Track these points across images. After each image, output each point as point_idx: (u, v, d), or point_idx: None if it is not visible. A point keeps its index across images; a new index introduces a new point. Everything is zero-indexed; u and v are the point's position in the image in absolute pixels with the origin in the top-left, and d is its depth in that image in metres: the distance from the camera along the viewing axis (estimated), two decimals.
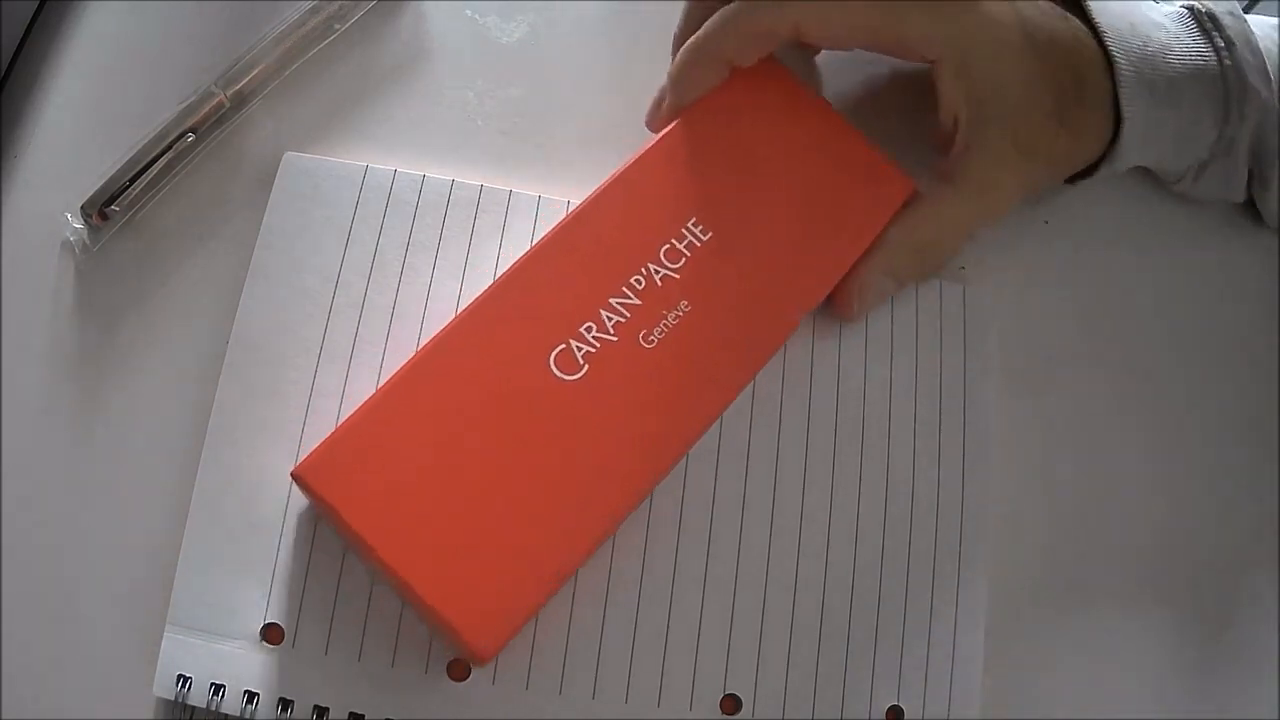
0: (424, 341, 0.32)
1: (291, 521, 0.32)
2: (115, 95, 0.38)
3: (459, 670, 0.32)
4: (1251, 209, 0.40)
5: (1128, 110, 0.35)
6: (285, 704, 0.31)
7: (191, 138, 0.36)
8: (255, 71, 0.37)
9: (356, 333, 0.35)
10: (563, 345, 0.31)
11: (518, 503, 0.30)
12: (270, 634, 0.31)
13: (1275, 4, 0.43)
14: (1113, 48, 0.35)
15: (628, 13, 0.41)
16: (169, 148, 0.35)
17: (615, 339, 0.31)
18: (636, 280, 0.32)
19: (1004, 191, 0.35)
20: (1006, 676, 0.34)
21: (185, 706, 0.31)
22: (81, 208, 0.35)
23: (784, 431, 0.35)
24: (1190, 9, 0.37)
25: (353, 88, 0.39)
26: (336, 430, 0.30)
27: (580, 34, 0.41)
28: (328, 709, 0.31)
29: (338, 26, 0.38)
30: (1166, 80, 0.35)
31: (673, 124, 0.35)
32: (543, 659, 0.32)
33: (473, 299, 0.32)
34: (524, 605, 0.29)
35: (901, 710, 0.33)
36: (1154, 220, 0.40)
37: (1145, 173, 0.39)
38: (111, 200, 0.35)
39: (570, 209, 0.33)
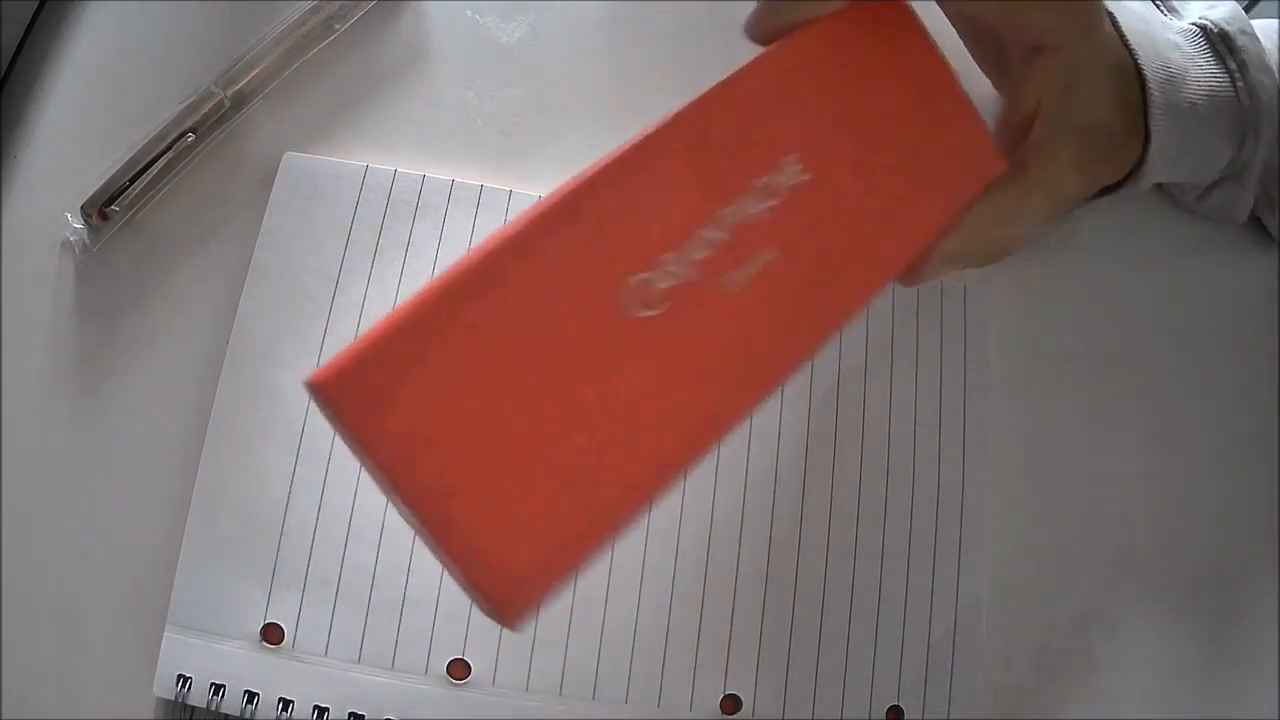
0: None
1: (291, 521, 0.32)
2: (115, 95, 0.38)
3: (459, 670, 0.32)
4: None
5: (1156, 131, 0.34)
6: (285, 704, 0.31)
7: (191, 138, 0.36)
8: (255, 71, 0.37)
9: (356, 333, 0.34)
10: (644, 273, 0.26)
11: (564, 447, 0.25)
12: (270, 634, 0.31)
13: (1276, 5, 0.43)
14: (1145, 69, 0.34)
15: (628, 13, 0.41)
16: (169, 148, 0.35)
17: (696, 278, 0.26)
18: (730, 212, 0.27)
19: (1062, 196, 0.33)
20: (1006, 676, 0.34)
21: (185, 706, 0.31)
22: (81, 208, 0.35)
23: (784, 432, 0.35)
24: (1202, 28, 0.36)
25: (353, 88, 0.39)
26: (365, 337, 0.23)
27: (580, 34, 0.41)
28: (328, 709, 0.31)
29: (338, 26, 0.38)
30: (1187, 103, 0.35)
31: (783, 40, 0.29)
32: (543, 659, 0.32)
33: (545, 197, 0.26)
34: (560, 566, 0.25)
35: (901, 710, 0.33)
36: (1154, 221, 0.40)
37: None
38: (111, 200, 0.35)
39: None
